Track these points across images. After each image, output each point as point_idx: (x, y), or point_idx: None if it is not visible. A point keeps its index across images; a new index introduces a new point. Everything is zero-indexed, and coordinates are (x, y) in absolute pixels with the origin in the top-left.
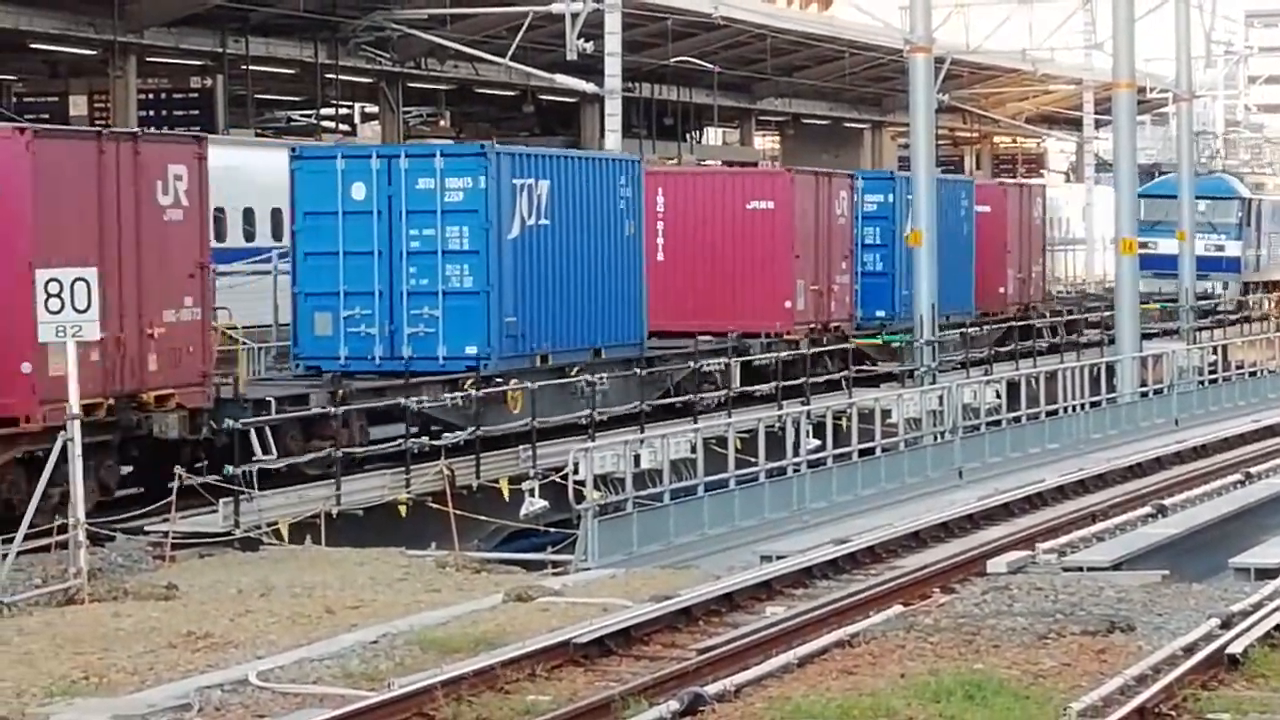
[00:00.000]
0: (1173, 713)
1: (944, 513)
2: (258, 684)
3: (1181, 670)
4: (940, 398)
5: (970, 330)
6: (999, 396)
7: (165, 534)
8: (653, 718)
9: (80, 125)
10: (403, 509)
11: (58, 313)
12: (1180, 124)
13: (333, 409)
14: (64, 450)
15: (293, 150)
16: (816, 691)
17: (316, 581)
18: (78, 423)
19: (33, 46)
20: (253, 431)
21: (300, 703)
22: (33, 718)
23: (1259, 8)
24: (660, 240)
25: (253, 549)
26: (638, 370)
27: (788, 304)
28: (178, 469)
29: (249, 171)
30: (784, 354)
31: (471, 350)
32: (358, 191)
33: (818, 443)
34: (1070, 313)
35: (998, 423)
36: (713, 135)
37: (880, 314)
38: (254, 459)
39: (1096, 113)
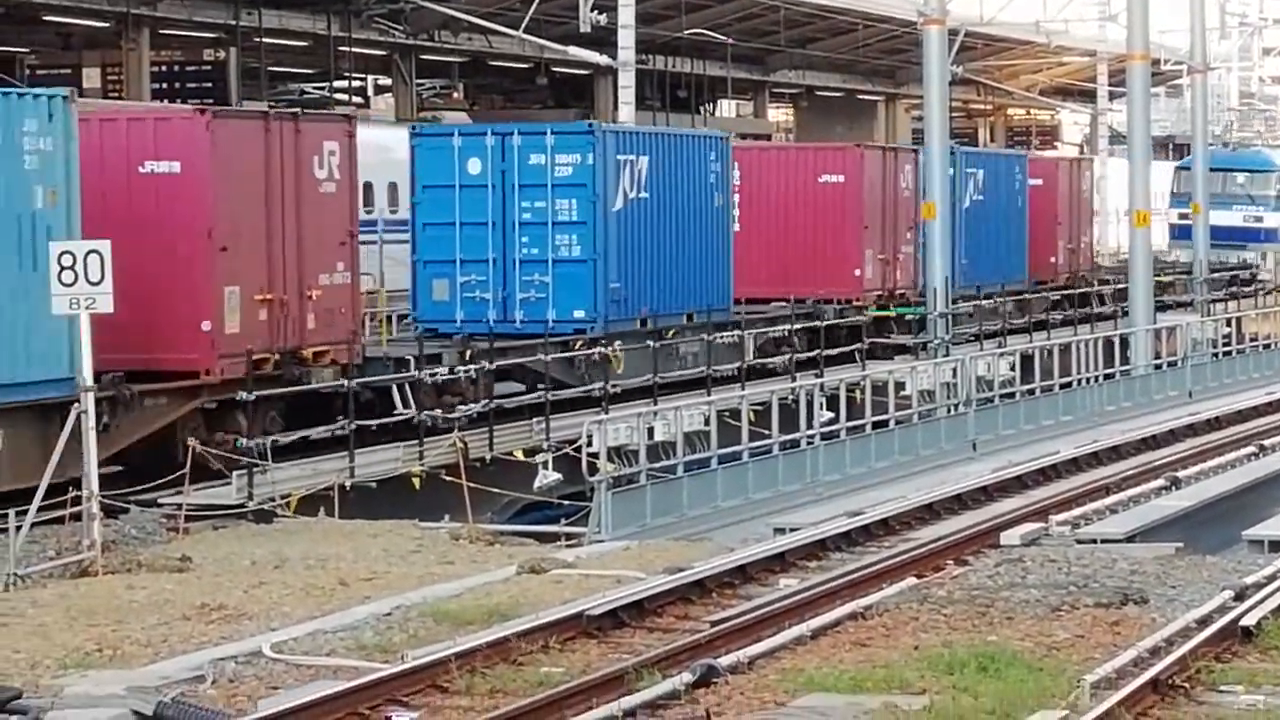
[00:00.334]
0: (1186, 684)
1: (958, 485)
2: (271, 655)
3: (1195, 642)
4: (954, 370)
5: (1027, 296)
6: (1013, 369)
7: (179, 506)
8: (666, 689)
9: (93, 97)
10: (416, 481)
11: (71, 285)
12: (1195, 96)
13: (463, 369)
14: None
15: (413, 128)
16: (829, 664)
17: (330, 554)
18: (91, 394)
19: (45, 19)
20: (393, 388)
21: (314, 674)
22: (47, 689)
23: None
24: (735, 212)
25: (266, 521)
26: (734, 333)
27: (856, 272)
28: (190, 440)
29: (367, 150)
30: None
31: (579, 314)
32: (473, 166)
33: (831, 415)
34: (1120, 281)
35: (1011, 395)
36: (726, 108)
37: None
38: (395, 412)
39: (1110, 85)
